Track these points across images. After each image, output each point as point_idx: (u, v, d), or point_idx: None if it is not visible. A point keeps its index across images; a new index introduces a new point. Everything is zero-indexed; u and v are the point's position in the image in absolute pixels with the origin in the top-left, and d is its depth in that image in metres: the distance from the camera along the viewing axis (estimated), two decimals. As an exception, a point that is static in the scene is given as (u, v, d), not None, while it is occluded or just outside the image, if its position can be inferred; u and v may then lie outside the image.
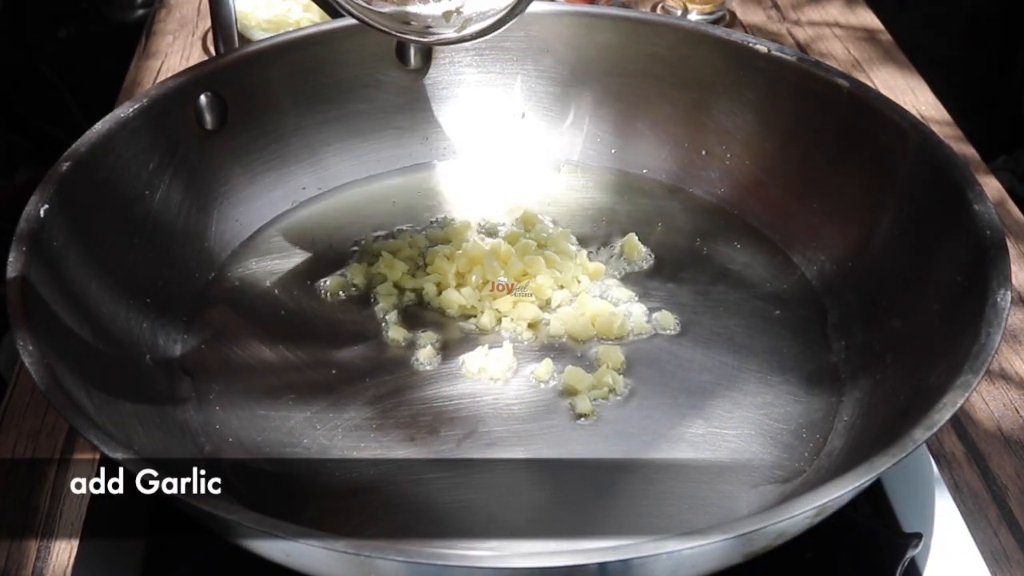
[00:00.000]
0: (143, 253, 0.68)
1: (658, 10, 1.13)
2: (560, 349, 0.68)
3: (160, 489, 0.46)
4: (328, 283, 0.73)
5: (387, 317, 0.70)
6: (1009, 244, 0.59)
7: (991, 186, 0.89)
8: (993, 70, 1.58)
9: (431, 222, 0.78)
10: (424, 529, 0.56)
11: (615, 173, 0.82)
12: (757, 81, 0.76)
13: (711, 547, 0.44)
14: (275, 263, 0.74)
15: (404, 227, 0.78)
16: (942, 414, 0.49)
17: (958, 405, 0.49)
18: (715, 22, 1.09)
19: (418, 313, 0.71)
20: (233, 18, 0.76)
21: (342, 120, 0.80)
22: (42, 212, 0.60)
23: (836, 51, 1.10)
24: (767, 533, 0.46)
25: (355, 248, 0.76)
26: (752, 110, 0.77)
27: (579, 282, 0.72)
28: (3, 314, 0.54)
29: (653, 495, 0.58)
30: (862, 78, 0.99)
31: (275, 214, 0.78)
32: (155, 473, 0.47)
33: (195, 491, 0.46)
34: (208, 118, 0.73)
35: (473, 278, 0.71)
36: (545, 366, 0.66)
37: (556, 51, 0.81)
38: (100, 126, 0.66)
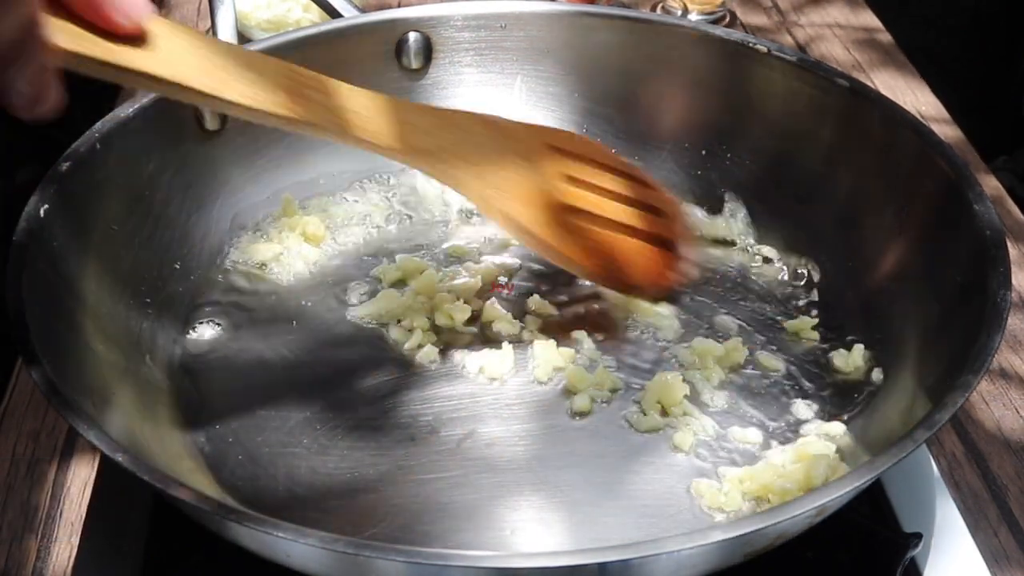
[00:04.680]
0: (143, 253, 0.68)
1: (658, 10, 1.13)
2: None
3: (160, 489, 0.46)
4: (328, 282, 0.73)
5: (388, 317, 0.70)
6: (1009, 244, 0.59)
7: (991, 186, 0.89)
8: (993, 70, 1.58)
9: (431, 223, 0.78)
10: (424, 529, 0.56)
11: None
12: (757, 81, 0.76)
13: (711, 547, 0.44)
14: (275, 263, 0.74)
15: (404, 223, 0.78)
16: (942, 414, 0.49)
17: (958, 405, 0.49)
18: (715, 22, 1.09)
19: (419, 313, 0.71)
20: (233, 18, 0.76)
21: (342, 120, 0.80)
22: (42, 212, 0.60)
23: (836, 51, 1.10)
24: (767, 533, 0.46)
25: (355, 248, 0.76)
26: (752, 110, 0.77)
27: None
28: (3, 314, 0.54)
29: (653, 495, 0.58)
30: (862, 78, 0.99)
31: (275, 214, 0.78)
32: (155, 473, 0.47)
33: (195, 491, 0.46)
34: (208, 118, 0.73)
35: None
36: (545, 366, 0.66)
37: (556, 51, 0.81)
38: (100, 126, 0.66)
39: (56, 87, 0.44)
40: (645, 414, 0.62)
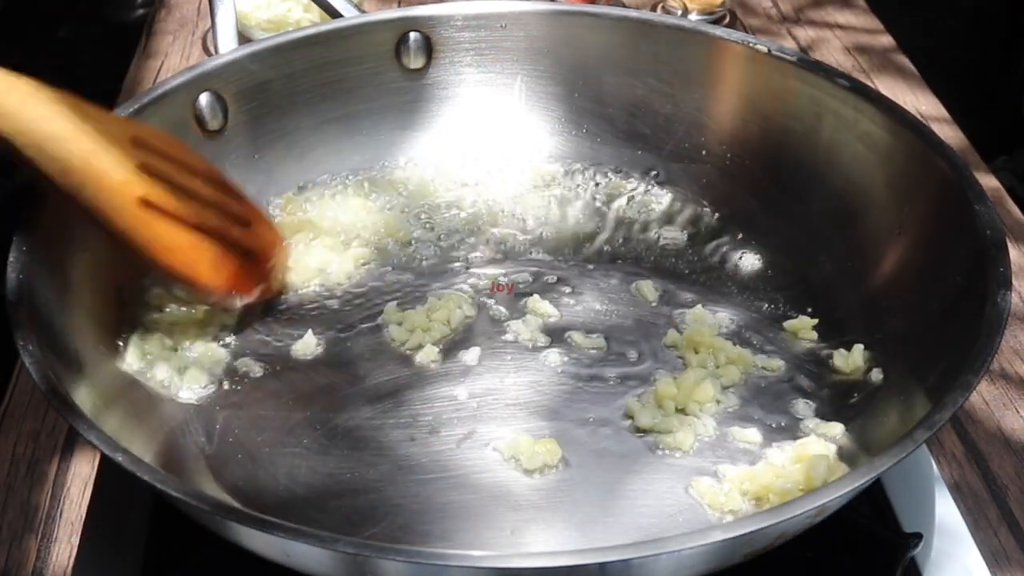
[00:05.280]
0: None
1: (658, 10, 1.13)
2: (564, 344, 0.68)
3: (160, 489, 0.46)
4: (329, 282, 0.73)
5: (387, 317, 0.70)
6: (1009, 244, 0.59)
7: (991, 186, 0.89)
8: (993, 70, 1.58)
9: (432, 222, 0.78)
10: (424, 529, 0.56)
11: (615, 173, 0.82)
12: (757, 81, 0.76)
13: (711, 547, 0.44)
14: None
15: (404, 220, 0.78)
16: (942, 414, 0.49)
17: (958, 405, 0.49)
18: (715, 22, 1.09)
19: (419, 313, 0.71)
20: (233, 18, 0.76)
21: (342, 120, 0.80)
22: (42, 212, 0.59)
23: (836, 52, 1.10)
24: (767, 533, 0.46)
25: (353, 248, 0.76)
26: (752, 110, 0.77)
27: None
28: (3, 314, 0.54)
29: (653, 495, 0.58)
30: (862, 78, 0.99)
31: (275, 214, 0.78)
32: (155, 473, 0.47)
33: (195, 491, 0.46)
34: (208, 118, 0.73)
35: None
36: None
37: (556, 51, 0.81)
38: (100, 126, 0.66)
39: None
40: (653, 408, 0.63)
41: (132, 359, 0.64)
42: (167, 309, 0.68)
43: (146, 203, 0.63)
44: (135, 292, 0.67)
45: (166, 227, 0.64)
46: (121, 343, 0.64)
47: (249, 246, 0.69)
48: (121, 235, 0.63)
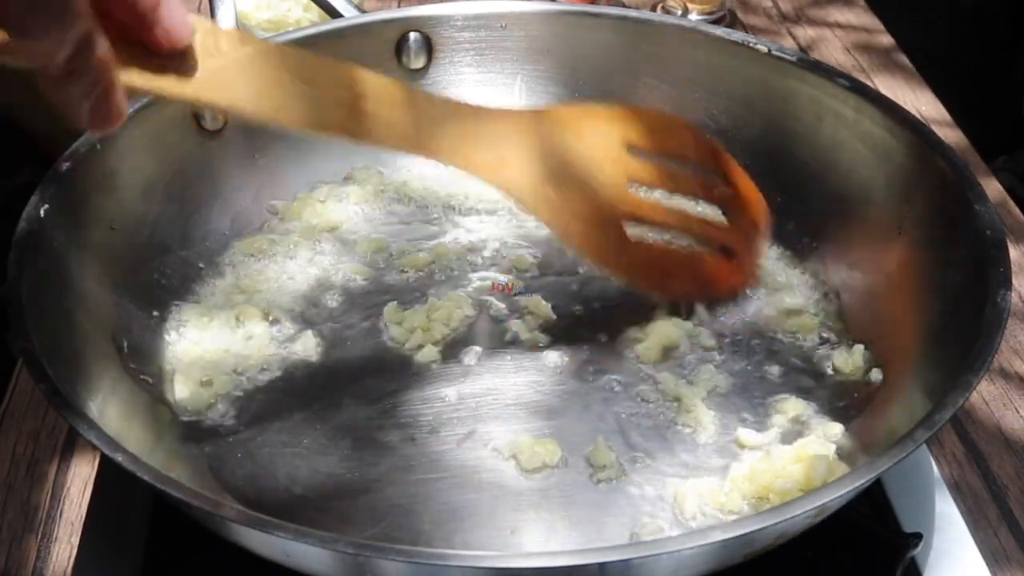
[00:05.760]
0: (143, 253, 0.68)
1: (658, 10, 1.13)
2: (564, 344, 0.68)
3: (160, 489, 0.46)
4: (328, 283, 0.73)
5: (387, 317, 0.70)
6: (1009, 244, 0.59)
7: (991, 186, 0.89)
8: (993, 70, 1.58)
9: (430, 223, 0.78)
10: (424, 529, 0.56)
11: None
12: (757, 81, 0.76)
13: (711, 547, 0.44)
14: (275, 263, 0.74)
15: (405, 217, 0.78)
16: (942, 414, 0.49)
17: (958, 405, 0.49)
18: (715, 22, 1.09)
19: (419, 313, 0.71)
20: (233, 18, 0.76)
21: (342, 120, 0.80)
22: (42, 212, 0.60)
23: (836, 52, 1.10)
24: (767, 533, 0.46)
25: (355, 245, 0.76)
26: (752, 110, 0.77)
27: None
28: (3, 314, 0.54)
29: (655, 495, 0.58)
30: (862, 78, 0.99)
31: (276, 217, 0.78)
32: (155, 473, 0.47)
33: (195, 491, 0.46)
34: (208, 118, 0.73)
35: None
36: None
37: (556, 51, 0.81)
38: (100, 126, 0.66)
39: (119, 103, 0.44)
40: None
41: (181, 391, 0.64)
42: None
43: (631, 216, 0.60)
44: (135, 291, 0.67)
45: (647, 246, 0.62)
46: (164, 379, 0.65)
47: (730, 242, 0.66)
48: (589, 259, 0.62)
